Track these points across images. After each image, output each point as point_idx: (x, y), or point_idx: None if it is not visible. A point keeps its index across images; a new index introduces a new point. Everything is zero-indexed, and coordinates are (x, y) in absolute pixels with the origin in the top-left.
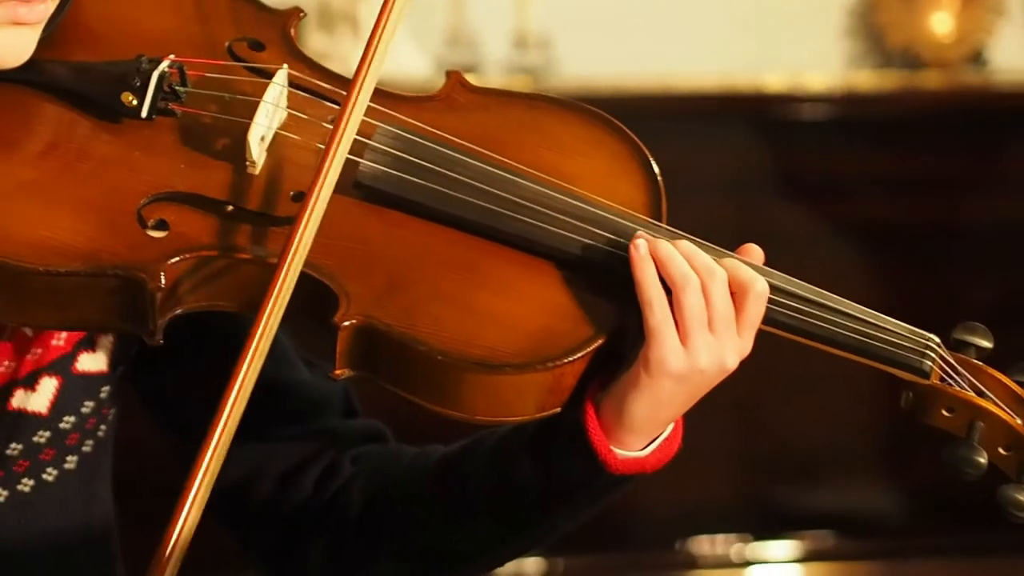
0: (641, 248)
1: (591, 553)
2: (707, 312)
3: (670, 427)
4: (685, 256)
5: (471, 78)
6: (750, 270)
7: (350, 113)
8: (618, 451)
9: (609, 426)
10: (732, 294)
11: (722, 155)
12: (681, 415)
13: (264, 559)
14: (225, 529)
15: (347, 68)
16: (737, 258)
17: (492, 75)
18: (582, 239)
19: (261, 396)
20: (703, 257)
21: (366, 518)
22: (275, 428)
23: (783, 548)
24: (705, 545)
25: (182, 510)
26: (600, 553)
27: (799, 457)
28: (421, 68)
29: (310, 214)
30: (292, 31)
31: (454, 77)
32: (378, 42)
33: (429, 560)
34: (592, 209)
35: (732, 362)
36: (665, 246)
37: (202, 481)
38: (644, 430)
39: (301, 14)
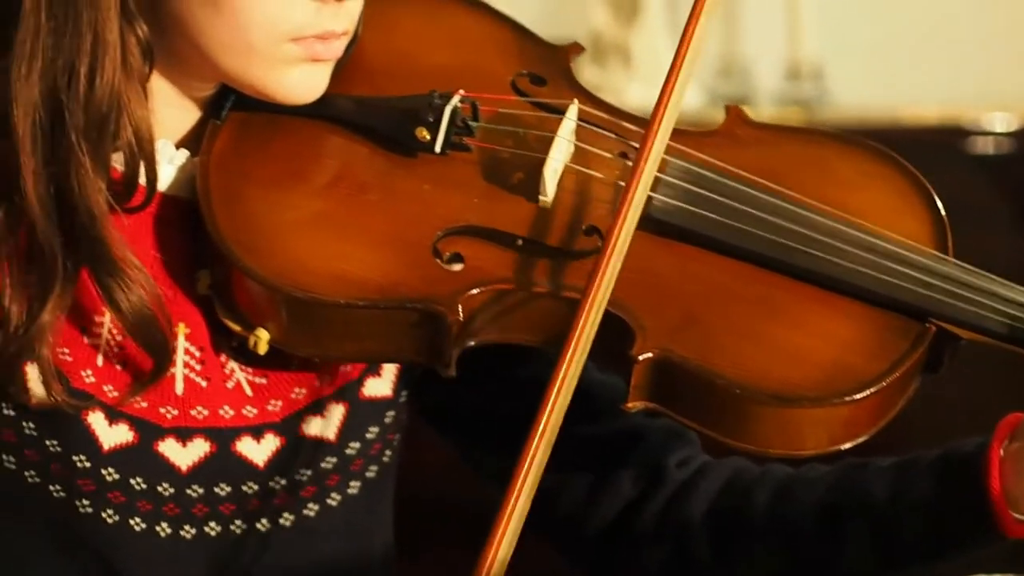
0: None
1: None
2: None
3: None
4: None
5: (744, 110)
6: None
7: (650, 151)
8: (1016, 515)
9: (1009, 487)
10: None
11: (1001, 187)
12: None
13: (582, 563)
14: (538, 536)
15: (620, 101)
16: None
17: (764, 106)
18: (875, 273)
19: None
20: None
21: (718, 531)
22: (581, 427)
23: None
24: None
25: (500, 530)
26: None
27: None
28: (693, 99)
29: (613, 250)
30: (572, 66)
31: (734, 112)
32: (677, 79)
33: None
34: (883, 243)
35: None
36: None
37: (516, 504)
38: None
39: (580, 49)
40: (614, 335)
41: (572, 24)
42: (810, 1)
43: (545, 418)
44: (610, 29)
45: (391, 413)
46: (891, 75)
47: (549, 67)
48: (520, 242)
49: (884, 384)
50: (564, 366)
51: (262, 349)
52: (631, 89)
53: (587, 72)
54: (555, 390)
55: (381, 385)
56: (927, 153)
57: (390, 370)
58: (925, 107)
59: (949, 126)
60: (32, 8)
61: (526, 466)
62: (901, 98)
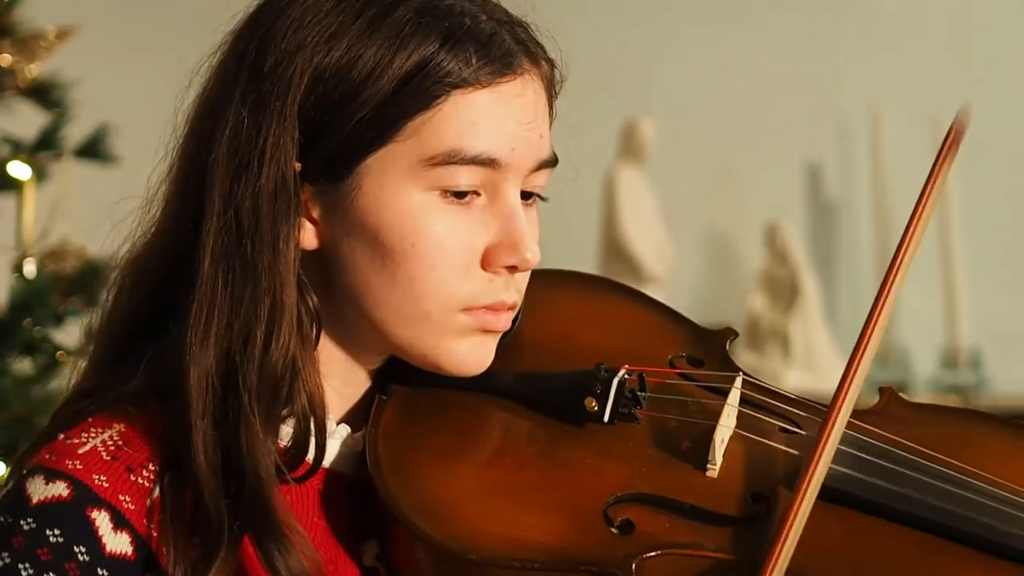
0: None
1: None
2: None
3: None
4: None
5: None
6: None
7: (833, 427)
8: None
9: None
10: None
11: None
12: None
13: None
14: None
15: (775, 385)
16: None
17: (921, 394)
18: None
19: None
20: None
21: None
22: None
23: None
24: None
25: None
26: None
27: None
28: None
29: (792, 523)
30: (727, 349)
31: (888, 393)
32: (863, 357)
33: None
34: None
35: None
36: None
37: None
38: None
39: (735, 334)
40: None
41: (730, 309)
42: (967, 289)
43: None
44: (767, 315)
45: None
46: None
47: (705, 350)
48: (689, 508)
49: None
50: None
51: None
52: (788, 375)
53: (744, 357)
54: None
55: None
56: None
57: None
58: None
59: None
60: (210, 275)
61: None
62: None
